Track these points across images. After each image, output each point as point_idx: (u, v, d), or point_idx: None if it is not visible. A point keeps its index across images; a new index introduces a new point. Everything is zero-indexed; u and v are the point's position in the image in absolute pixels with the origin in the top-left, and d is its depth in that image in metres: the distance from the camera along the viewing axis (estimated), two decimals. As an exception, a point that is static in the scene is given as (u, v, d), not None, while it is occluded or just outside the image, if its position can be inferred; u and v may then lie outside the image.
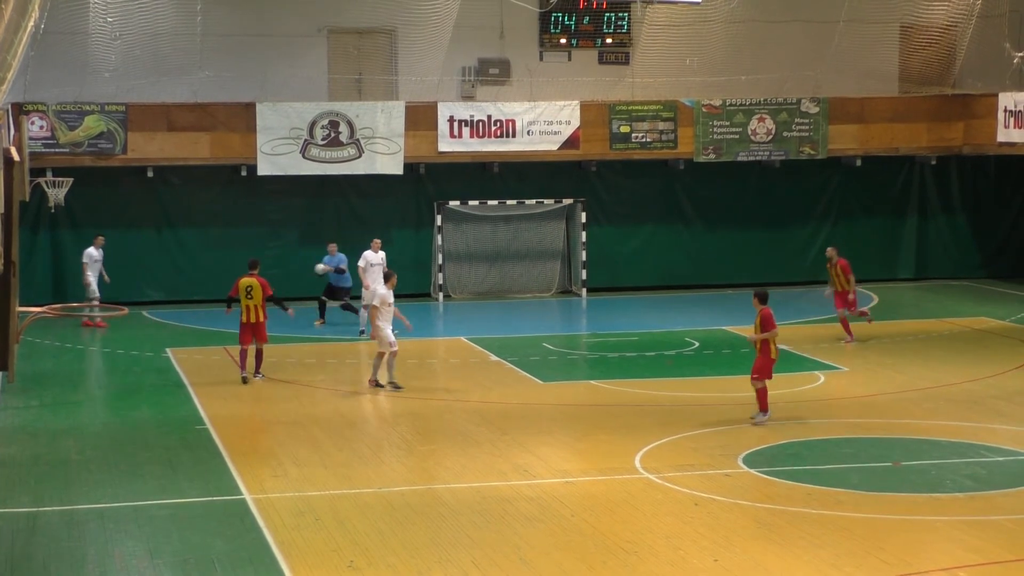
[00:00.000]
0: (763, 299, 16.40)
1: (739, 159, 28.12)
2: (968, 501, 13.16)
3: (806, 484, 13.66)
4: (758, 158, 28.24)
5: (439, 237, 27.80)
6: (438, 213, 27.81)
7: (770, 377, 16.31)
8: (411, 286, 26.73)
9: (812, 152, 28.34)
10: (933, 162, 29.35)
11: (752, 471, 14.21)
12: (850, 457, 14.93)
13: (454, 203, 27.88)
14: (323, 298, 24.56)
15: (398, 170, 26.81)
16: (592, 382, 19.48)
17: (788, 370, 19.88)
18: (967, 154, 29.02)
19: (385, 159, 26.71)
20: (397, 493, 13.58)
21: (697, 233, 29.24)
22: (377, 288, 18.89)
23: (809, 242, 29.64)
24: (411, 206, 28.08)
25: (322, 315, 24.45)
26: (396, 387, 18.44)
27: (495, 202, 28.12)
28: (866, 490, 13.47)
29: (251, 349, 18.94)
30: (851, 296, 21.94)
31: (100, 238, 24.67)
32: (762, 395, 16.19)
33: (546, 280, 28.72)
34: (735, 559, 11.52)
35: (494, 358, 21.06)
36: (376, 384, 18.52)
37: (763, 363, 16.23)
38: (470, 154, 27.23)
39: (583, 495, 13.51)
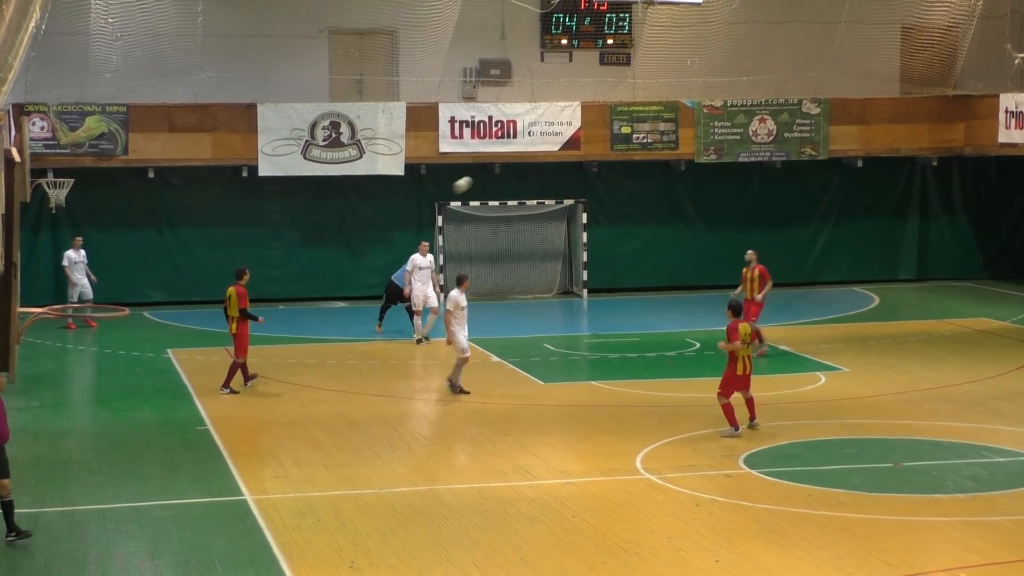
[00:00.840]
0: (736, 311, 15.91)
1: (740, 160, 28.12)
2: (969, 502, 13.16)
3: (807, 485, 13.66)
4: (759, 159, 28.23)
5: (440, 238, 27.79)
6: (439, 214, 27.82)
7: (741, 390, 15.75)
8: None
9: (813, 153, 28.33)
10: (934, 163, 29.35)
11: (753, 472, 14.21)
12: (851, 458, 14.92)
13: (455, 204, 27.88)
14: (393, 304, 23.17)
15: (399, 171, 26.82)
16: (593, 383, 19.48)
17: (789, 371, 19.91)
18: (968, 155, 29.01)
19: (386, 160, 26.71)
20: (398, 494, 13.58)
21: (698, 234, 29.24)
22: (451, 292, 18.28)
23: (811, 243, 29.64)
24: (412, 207, 28.08)
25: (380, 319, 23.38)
26: (462, 391, 18.11)
27: (496, 203, 28.12)
28: (867, 491, 13.46)
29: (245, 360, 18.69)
30: (758, 298, 20.36)
31: (78, 239, 24.64)
32: (727, 411, 15.68)
33: (547, 281, 28.72)
34: (736, 560, 11.51)
35: (495, 359, 21.04)
36: (461, 391, 18.16)
37: (726, 379, 15.72)
38: (471, 155, 27.22)
39: (584, 496, 13.51)
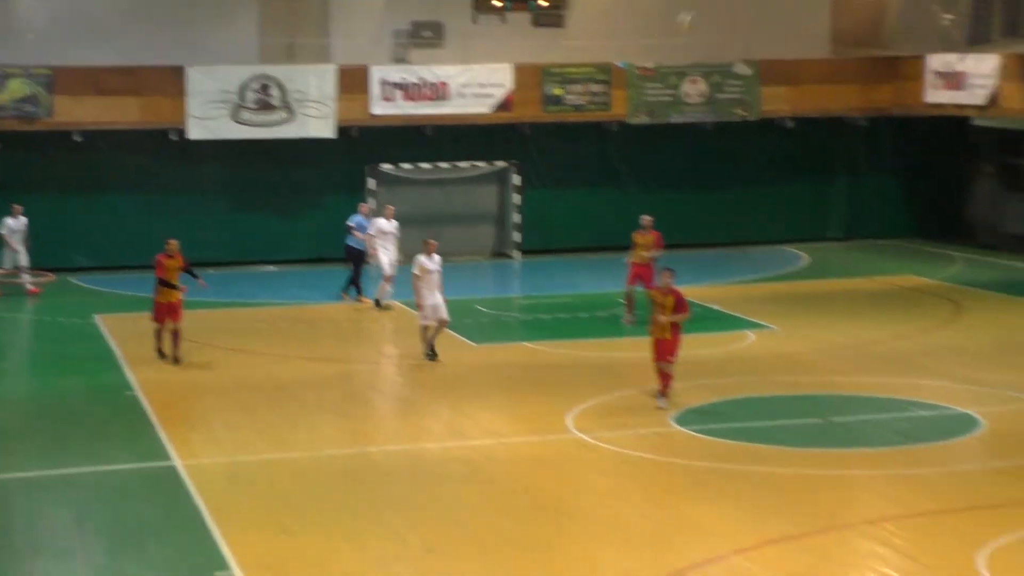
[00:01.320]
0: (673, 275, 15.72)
1: (672, 121, 28.20)
2: (894, 455, 13.40)
3: (737, 441, 13.83)
4: (691, 120, 28.33)
5: (372, 200, 27.61)
6: (370, 176, 27.64)
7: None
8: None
9: (744, 114, 28.47)
10: (863, 123, 29.64)
11: (684, 429, 14.34)
12: (780, 414, 15.12)
13: (387, 166, 27.71)
14: (354, 271, 22.43)
15: (330, 133, 26.58)
16: (525, 344, 19.52)
17: (719, 329, 20.08)
18: (896, 115, 29.33)
19: (317, 123, 26.45)
20: (330, 457, 13.55)
21: (631, 195, 29.27)
22: (418, 256, 17.97)
23: (741, 203, 29.81)
24: (344, 170, 27.85)
25: (360, 291, 22.51)
26: (431, 356, 17.75)
27: (428, 165, 28.00)
28: (796, 446, 13.66)
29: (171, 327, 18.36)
30: (646, 256, 20.02)
31: (17, 207, 24.15)
32: (670, 379, 15.28)
33: (480, 243, 28.67)
34: (666, 516, 11.64)
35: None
36: (432, 354, 17.78)
37: (677, 344, 15.23)
38: (403, 117, 27.05)
39: (516, 456, 13.57)
